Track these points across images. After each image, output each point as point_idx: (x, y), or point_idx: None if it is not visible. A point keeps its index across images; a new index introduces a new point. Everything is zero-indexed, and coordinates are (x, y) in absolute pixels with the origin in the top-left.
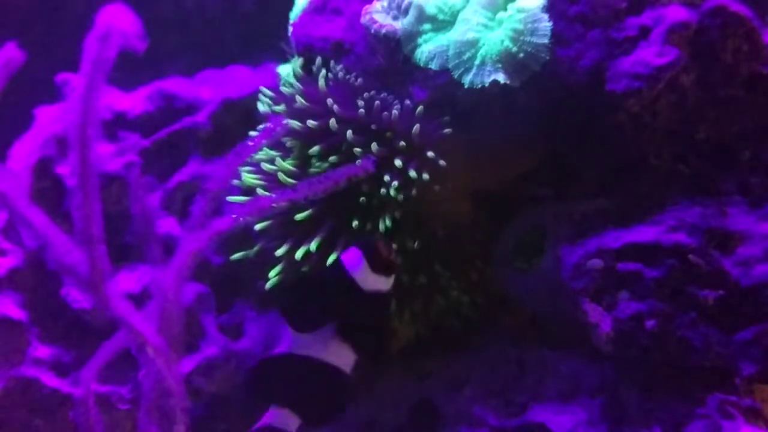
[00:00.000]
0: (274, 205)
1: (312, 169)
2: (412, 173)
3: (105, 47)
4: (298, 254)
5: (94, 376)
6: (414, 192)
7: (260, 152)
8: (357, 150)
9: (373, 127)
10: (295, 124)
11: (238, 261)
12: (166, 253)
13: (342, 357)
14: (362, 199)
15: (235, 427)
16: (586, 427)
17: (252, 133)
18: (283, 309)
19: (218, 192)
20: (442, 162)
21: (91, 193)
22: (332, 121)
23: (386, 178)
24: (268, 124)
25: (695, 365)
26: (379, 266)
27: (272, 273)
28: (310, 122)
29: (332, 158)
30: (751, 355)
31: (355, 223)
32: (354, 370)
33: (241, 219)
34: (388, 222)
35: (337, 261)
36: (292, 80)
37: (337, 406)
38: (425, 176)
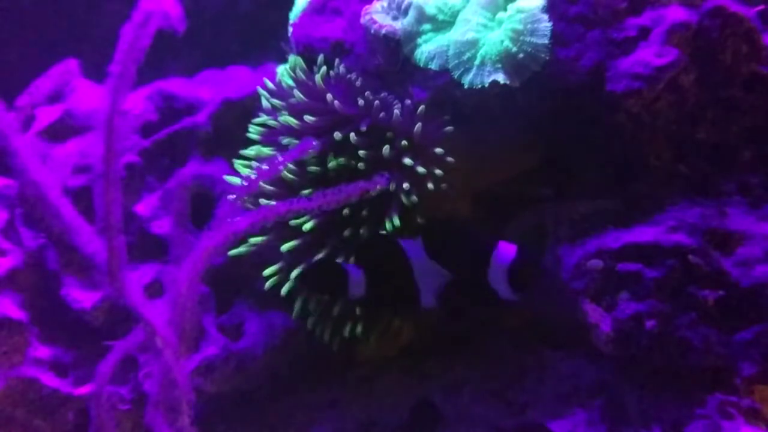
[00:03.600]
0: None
1: (310, 167)
2: (421, 169)
3: (141, 34)
4: (284, 248)
5: (109, 373)
6: (431, 186)
7: (252, 150)
8: (362, 152)
9: (365, 127)
10: (292, 121)
11: (237, 262)
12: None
13: (426, 292)
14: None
15: (235, 427)
16: (586, 427)
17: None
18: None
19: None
20: (450, 159)
21: (114, 180)
22: (336, 134)
23: (392, 185)
24: (298, 144)
25: (695, 365)
26: (518, 281)
27: (267, 272)
28: (308, 117)
29: (331, 159)
30: (751, 356)
31: (364, 213)
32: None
33: (256, 222)
34: (396, 221)
35: (493, 243)
36: (288, 79)
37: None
38: (438, 171)
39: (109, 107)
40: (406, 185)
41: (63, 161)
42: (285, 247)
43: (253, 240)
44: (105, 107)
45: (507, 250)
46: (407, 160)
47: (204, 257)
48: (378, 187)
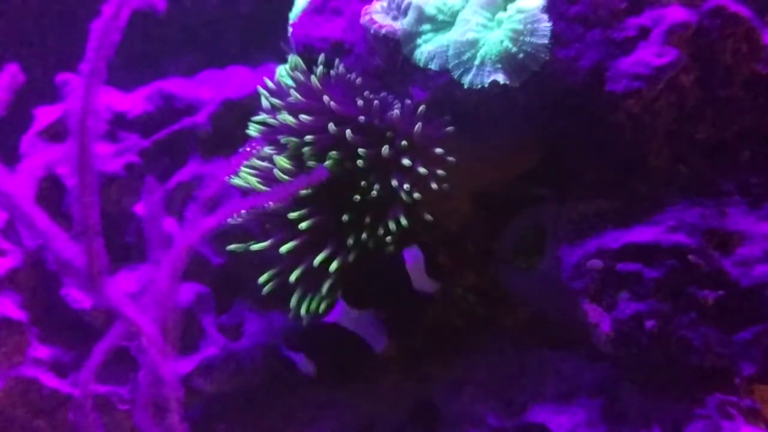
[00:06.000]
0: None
1: (310, 163)
2: (422, 170)
3: (110, 29)
4: (283, 249)
5: (91, 378)
6: (435, 186)
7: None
8: (361, 151)
9: (363, 119)
10: (290, 120)
11: (237, 262)
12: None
13: (376, 339)
14: (356, 198)
15: (235, 427)
16: (586, 427)
17: (251, 131)
18: (343, 285)
19: (212, 198)
20: (450, 158)
21: (90, 183)
22: (331, 125)
23: (394, 182)
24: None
25: (695, 365)
26: (433, 270)
27: (262, 279)
28: (303, 116)
29: (332, 154)
30: (751, 356)
31: (367, 219)
32: (383, 351)
33: (223, 219)
34: (404, 222)
35: (398, 254)
36: (287, 79)
37: (354, 372)
38: (440, 172)
39: (81, 106)
40: (406, 186)
41: (63, 161)
42: (284, 248)
43: (255, 247)
44: (77, 107)
45: (411, 254)
46: (406, 161)
47: (182, 255)
48: (318, 180)
